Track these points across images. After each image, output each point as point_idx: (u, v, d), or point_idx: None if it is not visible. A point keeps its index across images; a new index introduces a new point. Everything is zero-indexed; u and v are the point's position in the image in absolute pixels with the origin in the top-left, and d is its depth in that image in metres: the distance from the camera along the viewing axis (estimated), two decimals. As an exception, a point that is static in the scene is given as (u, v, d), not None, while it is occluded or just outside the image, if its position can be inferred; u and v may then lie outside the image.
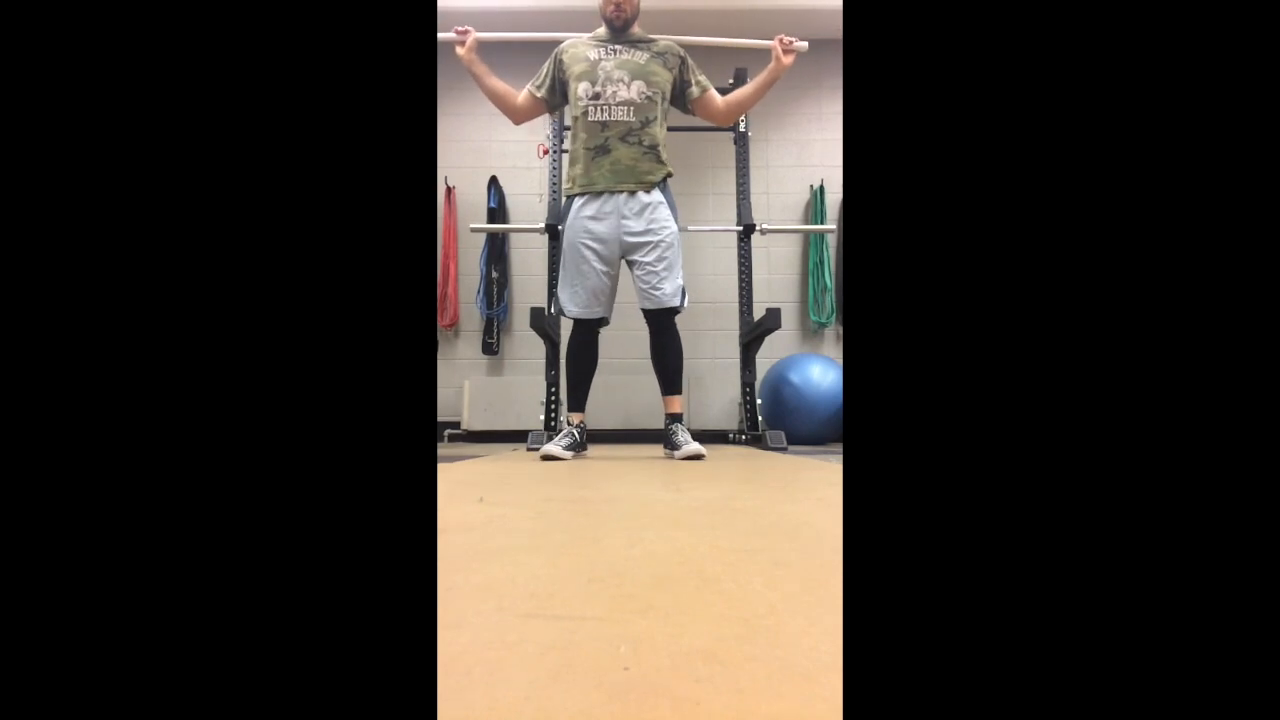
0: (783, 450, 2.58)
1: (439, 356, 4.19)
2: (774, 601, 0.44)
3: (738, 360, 3.21)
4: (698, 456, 1.97)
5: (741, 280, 3.20)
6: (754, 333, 2.97)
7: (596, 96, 2.12)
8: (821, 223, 4.20)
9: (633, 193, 2.12)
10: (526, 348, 4.12)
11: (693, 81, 2.22)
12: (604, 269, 2.14)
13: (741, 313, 3.16)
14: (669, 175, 2.19)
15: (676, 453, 2.05)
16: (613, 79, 2.13)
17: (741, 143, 3.28)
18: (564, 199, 2.24)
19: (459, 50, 2.21)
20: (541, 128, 3.49)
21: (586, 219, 2.13)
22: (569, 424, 2.17)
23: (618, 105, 2.12)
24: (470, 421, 4.01)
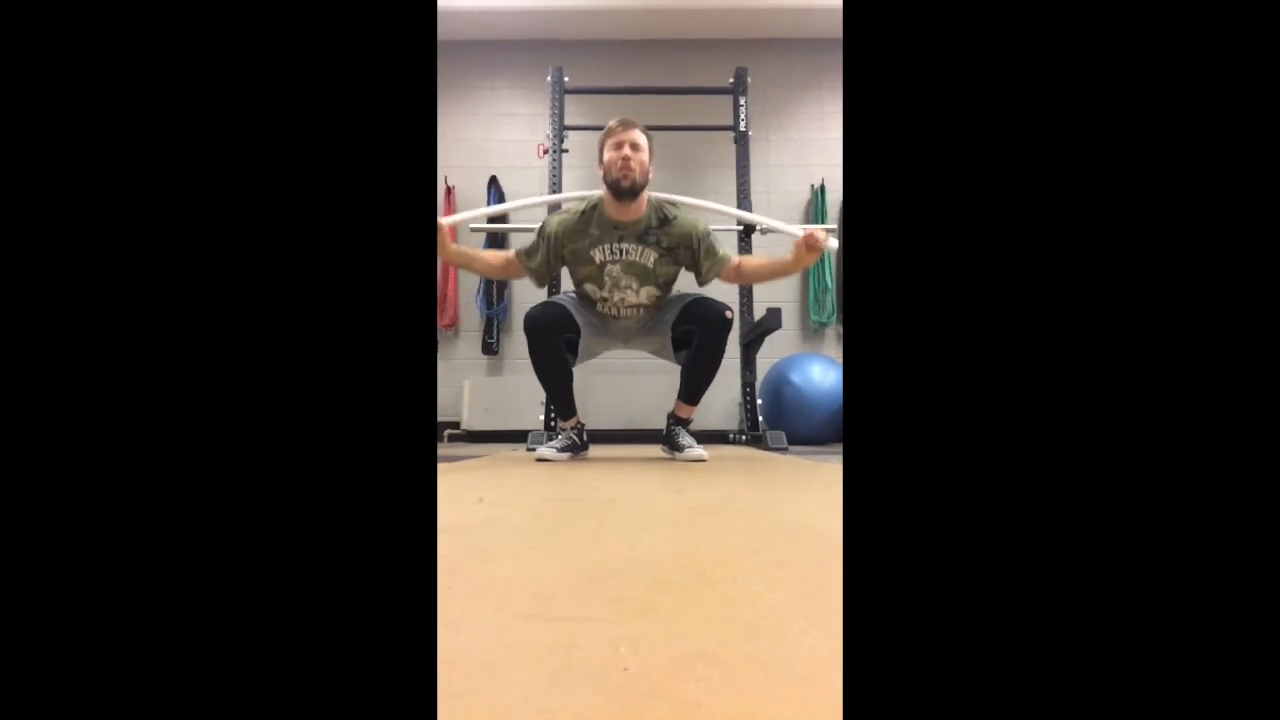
0: (783, 451, 2.58)
1: (439, 356, 4.19)
2: (774, 603, 0.44)
3: (738, 360, 3.20)
4: (700, 460, 1.94)
5: (742, 280, 3.20)
6: (754, 333, 2.97)
7: (604, 300, 2.05)
8: (821, 223, 4.20)
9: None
10: (526, 348, 4.12)
11: (706, 269, 2.05)
12: (596, 321, 2.08)
13: (741, 313, 3.16)
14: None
15: (679, 455, 2.02)
16: (620, 285, 2.01)
17: (741, 142, 3.28)
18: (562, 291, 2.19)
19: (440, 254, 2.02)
20: (541, 127, 3.49)
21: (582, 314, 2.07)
22: (565, 429, 2.13)
23: (627, 308, 2.06)
24: (470, 422, 4.01)
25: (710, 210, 2.61)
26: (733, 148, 3.34)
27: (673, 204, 2.10)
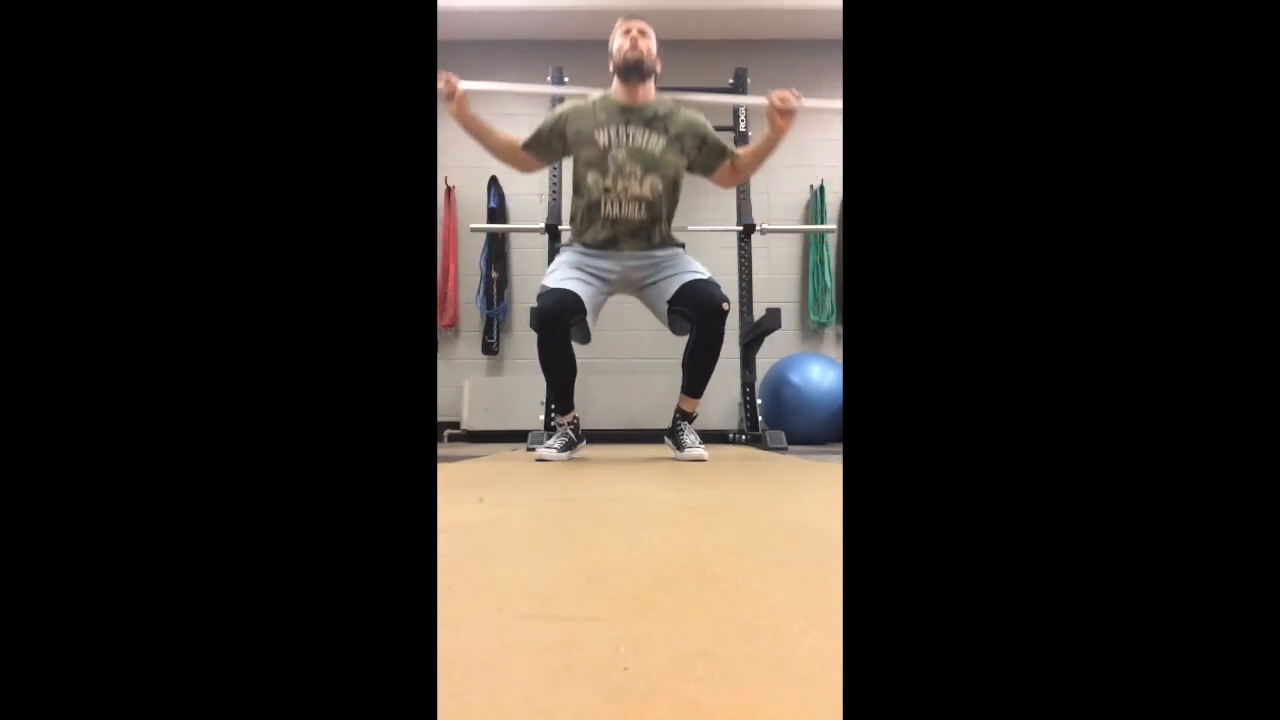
0: (783, 450, 2.58)
1: (439, 356, 4.19)
2: (774, 602, 0.44)
3: (738, 360, 3.20)
4: (699, 460, 1.94)
5: (741, 280, 3.20)
6: (754, 333, 2.97)
7: (607, 190, 1.97)
8: (821, 223, 4.20)
9: (650, 250, 2.03)
10: (526, 348, 4.11)
11: (712, 160, 2.06)
12: (593, 279, 2.02)
13: (741, 313, 3.16)
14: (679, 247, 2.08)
15: (680, 453, 2.02)
16: (624, 172, 1.95)
17: (741, 142, 3.28)
18: (562, 245, 2.14)
19: (448, 107, 1.94)
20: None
21: (586, 253, 2.04)
22: (560, 425, 2.11)
23: (629, 201, 1.97)
24: (470, 421, 4.01)
25: (710, 104, 2.54)
26: (733, 148, 3.34)
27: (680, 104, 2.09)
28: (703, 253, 4.16)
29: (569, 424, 2.10)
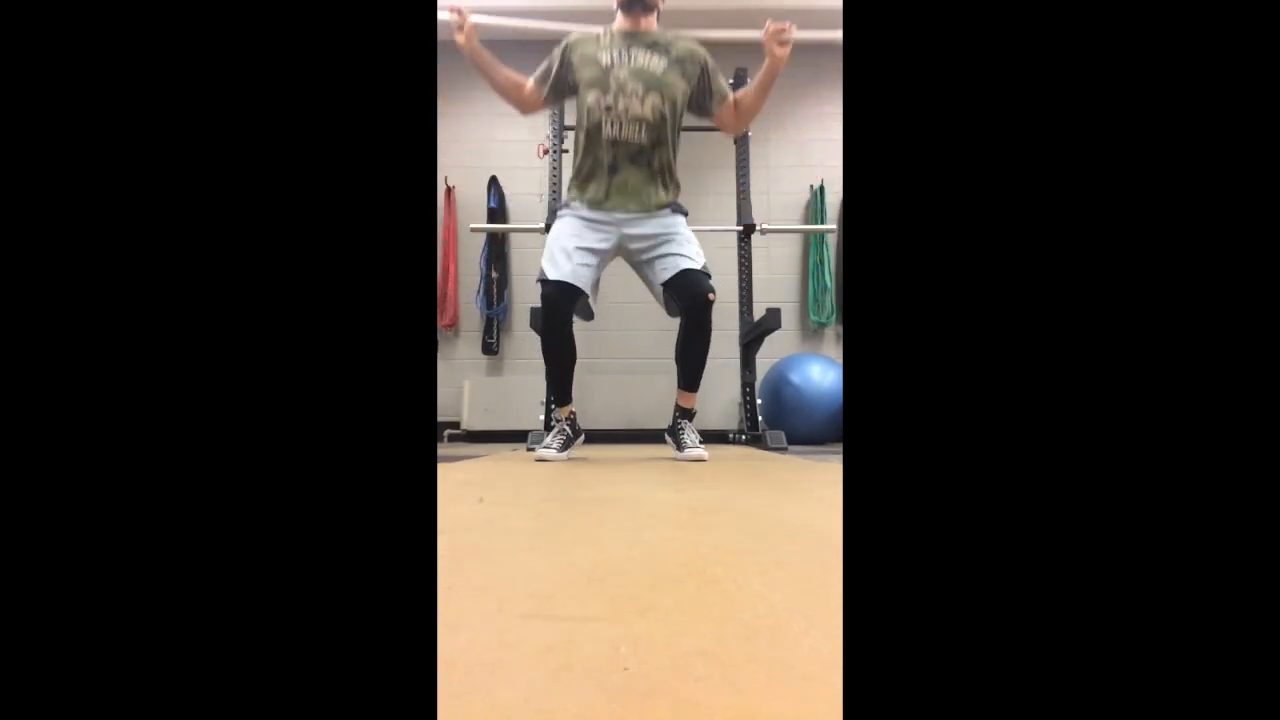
0: (783, 450, 2.58)
1: (439, 356, 4.19)
2: (774, 602, 0.44)
3: (738, 360, 3.21)
4: (699, 460, 1.94)
5: (741, 280, 3.20)
6: (754, 333, 2.97)
7: (608, 110, 1.96)
8: (821, 223, 4.20)
9: (637, 215, 2.00)
10: (526, 348, 4.11)
11: (713, 91, 2.06)
12: (591, 258, 1.99)
13: (741, 313, 3.16)
14: (677, 200, 2.06)
15: (680, 453, 2.02)
16: (625, 90, 1.95)
17: (741, 142, 3.28)
18: (563, 203, 2.13)
19: (458, 38, 1.97)
20: (541, 127, 3.49)
21: (585, 220, 2.02)
22: (558, 420, 2.11)
23: (630, 122, 1.96)
24: (470, 421, 4.01)
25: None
26: (733, 148, 3.34)
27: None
28: (703, 251, 4.19)
29: (566, 420, 2.10)
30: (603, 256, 2.04)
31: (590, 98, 1.98)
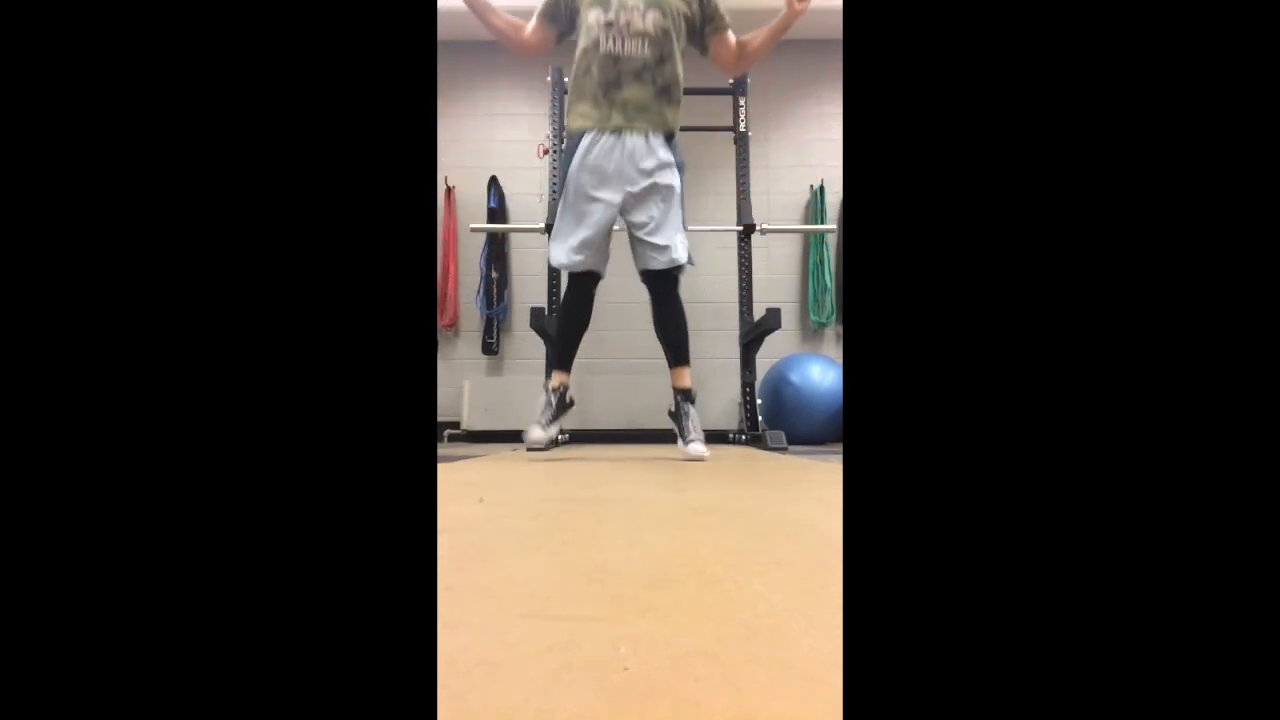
0: (783, 450, 2.58)
1: (439, 356, 4.19)
2: (774, 602, 0.44)
3: (738, 360, 3.21)
4: (699, 458, 1.89)
5: (741, 280, 3.20)
6: (754, 333, 2.97)
7: (609, 25, 1.94)
8: (821, 223, 4.20)
9: (644, 135, 1.97)
10: (526, 348, 4.12)
11: (711, 18, 2.05)
12: (603, 212, 1.99)
13: (741, 313, 3.16)
14: (676, 131, 2.02)
15: (682, 446, 1.98)
16: (626, 6, 1.95)
17: (741, 142, 3.28)
18: (565, 140, 2.08)
19: None
20: (541, 127, 3.49)
21: (591, 156, 1.98)
22: (548, 390, 2.05)
23: (632, 37, 1.94)
24: (470, 421, 4.01)
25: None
26: (733, 148, 3.34)
27: None
28: (703, 253, 4.20)
29: (556, 390, 2.05)
30: (613, 191, 2.01)
31: (591, 16, 1.97)
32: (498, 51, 4.63)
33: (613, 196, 2.00)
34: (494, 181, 4.23)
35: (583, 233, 2.00)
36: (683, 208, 2.06)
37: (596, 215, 2.00)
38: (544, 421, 2.00)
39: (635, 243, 2.06)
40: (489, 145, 4.30)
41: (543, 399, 2.05)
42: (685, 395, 2.06)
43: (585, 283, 2.06)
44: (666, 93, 2.00)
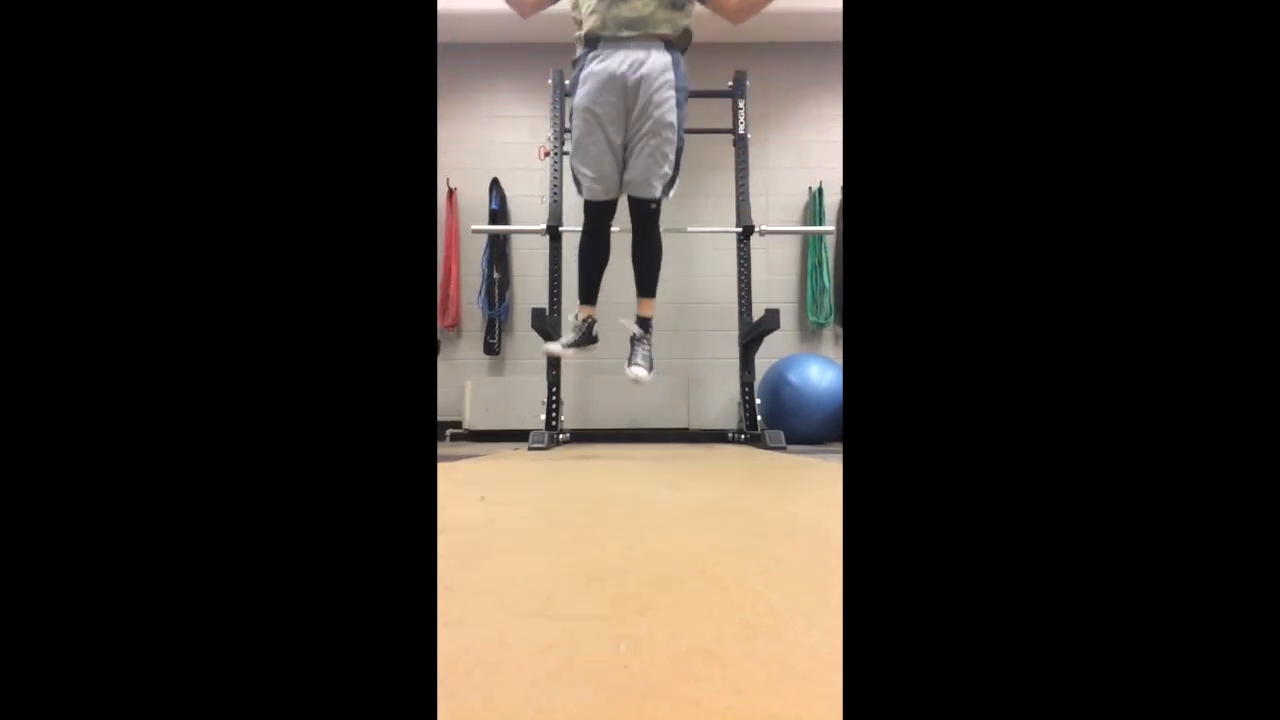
0: (782, 450, 2.58)
1: (441, 357, 4.19)
2: (774, 601, 0.44)
3: (737, 360, 3.20)
4: (637, 381, 2.10)
5: (740, 281, 3.20)
6: (753, 333, 2.97)
7: None
8: (820, 224, 4.20)
9: (647, 48, 2.00)
10: (527, 348, 4.11)
11: None
12: (612, 138, 2.05)
13: (740, 313, 3.16)
14: (687, 38, 2.04)
15: (626, 369, 2.15)
16: None
17: (741, 144, 3.28)
18: (572, 63, 2.13)
19: None
20: (542, 129, 3.49)
21: (596, 74, 2.02)
22: (576, 318, 2.21)
23: None
24: (471, 421, 4.01)
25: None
26: (732, 149, 3.34)
27: None
28: (702, 253, 4.21)
29: (585, 320, 2.20)
30: (619, 112, 2.04)
31: None
32: (498, 54, 4.64)
33: (618, 134, 2.06)
34: (495, 183, 4.23)
35: (595, 163, 2.08)
36: (680, 135, 2.08)
37: (600, 151, 2.07)
38: (564, 341, 2.17)
39: (630, 151, 2.11)
40: (490, 147, 4.30)
41: (570, 320, 2.21)
42: (641, 322, 2.23)
43: (598, 213, 2.14)
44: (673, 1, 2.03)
